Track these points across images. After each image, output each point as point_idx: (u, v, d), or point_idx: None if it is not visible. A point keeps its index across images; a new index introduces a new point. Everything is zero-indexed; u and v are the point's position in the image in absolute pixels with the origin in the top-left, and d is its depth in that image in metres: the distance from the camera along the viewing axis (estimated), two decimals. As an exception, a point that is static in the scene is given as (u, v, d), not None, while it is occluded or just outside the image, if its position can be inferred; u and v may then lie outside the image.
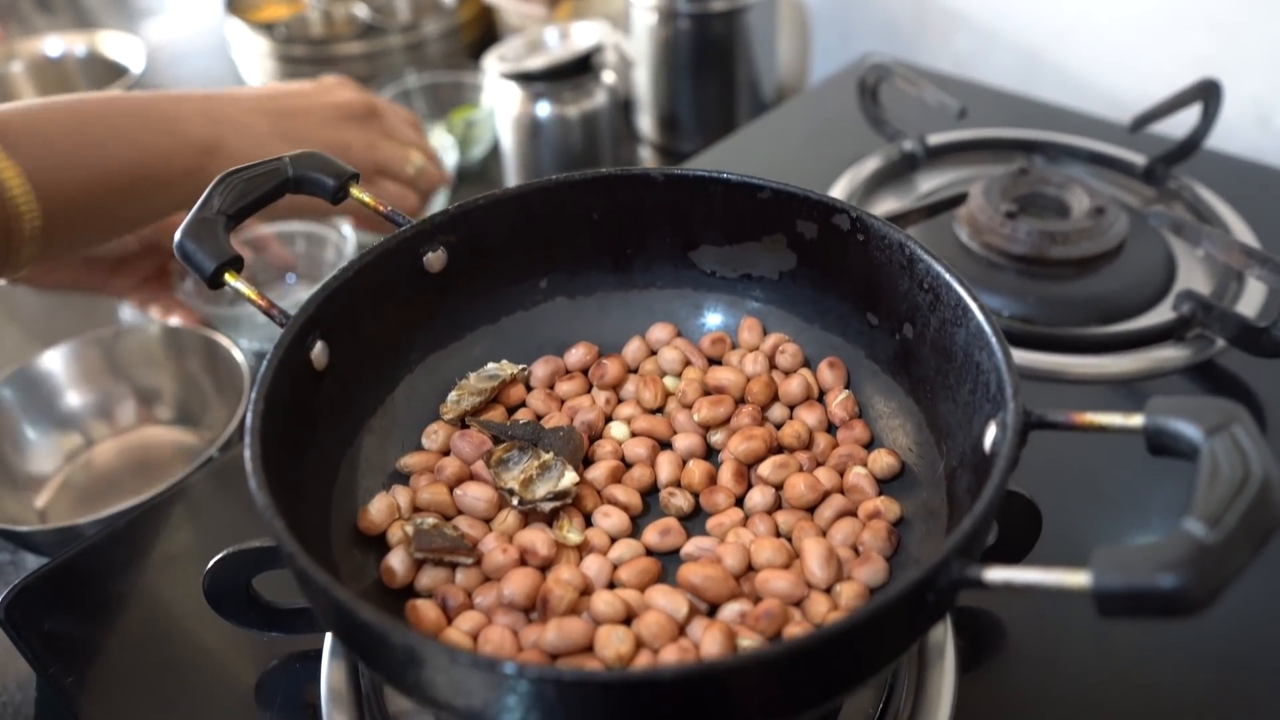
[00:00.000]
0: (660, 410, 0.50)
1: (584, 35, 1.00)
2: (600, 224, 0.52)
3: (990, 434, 0.39)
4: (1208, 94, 0.74)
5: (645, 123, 1.11)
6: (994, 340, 0.40)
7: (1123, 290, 0.68)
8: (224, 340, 0.75)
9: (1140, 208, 0.77)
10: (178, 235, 0.44)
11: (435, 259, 0.49)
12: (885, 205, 0.78)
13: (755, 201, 0.50)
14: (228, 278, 0.44)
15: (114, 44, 1.11)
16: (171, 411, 0.78)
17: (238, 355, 0.73)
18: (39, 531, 0.63)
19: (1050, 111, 0.88)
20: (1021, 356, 0.63)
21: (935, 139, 0.81)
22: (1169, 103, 0.75)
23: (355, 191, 0.49)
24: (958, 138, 0.82)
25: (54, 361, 0.76)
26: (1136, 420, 0.35)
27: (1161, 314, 0.66)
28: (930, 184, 0.80)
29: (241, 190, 0.47)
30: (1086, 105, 0.94)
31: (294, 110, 0.70)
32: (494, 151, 1.08)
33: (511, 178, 1.03)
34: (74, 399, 0.76)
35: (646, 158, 1.11)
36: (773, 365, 0.50)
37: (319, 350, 0.44)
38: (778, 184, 0.49)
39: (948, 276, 0.43)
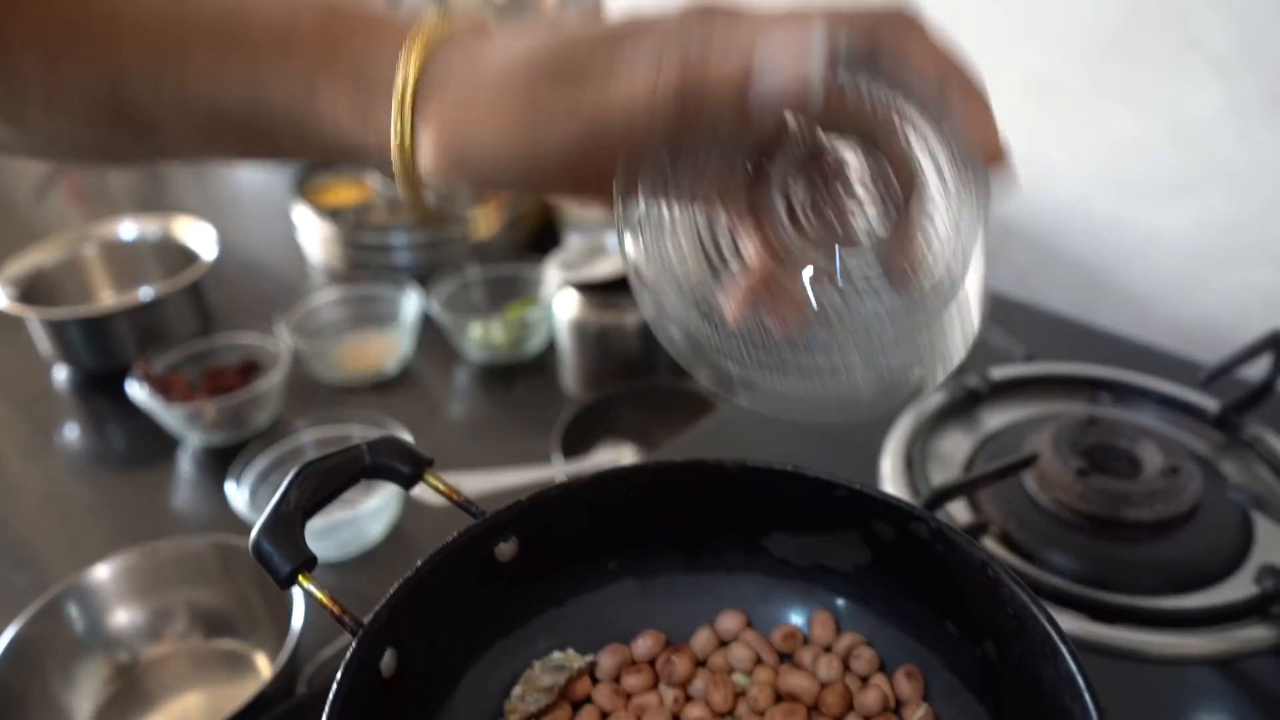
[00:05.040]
0: (730, 714, 0.48)
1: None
2: (672, 510, 0.52)
3: (1088, 803, 0.37)
4: (1278, 345, 0.73)
5: (700, 321, 1.12)
6: (1088, 696, 0.38)
7: (1198, 556, 0.66)
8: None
9: (1210, 455, 0.75)
10: (255, 533, 0.44)
11: (506, 549, 0.49)
12: (951, 442, 0.77)
13: (830, 498, 0.49)
14: (300, 579, 0.44)
15: (188, 230, 1.15)
16: (221, 625, 0.77)
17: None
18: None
19: (1114, 343, 0.88)
20: (1093, 630, 0.61)
21: (999, 374, 0.81)
22: (1238, 356, 0.74)
23: (430, 479, 0.49)
24: (1022, 373, 0.81)
25: (103, 575, 0.75)
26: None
27: (1241, 584, 0.64)
28: (995, 421, 0.79)
29: (318, 483, 0.47)
30: (1149, 330, 0.94)
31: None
32: (551, 346, 1.09)
33: (568, 378, 1.04)
34: (123, 616, 0.75)
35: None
36: (847, 667, 0.49)
37: (388, 659, 0.43)
38: (855, 484, 0.49)
39: (1034, 609, 0.42)
